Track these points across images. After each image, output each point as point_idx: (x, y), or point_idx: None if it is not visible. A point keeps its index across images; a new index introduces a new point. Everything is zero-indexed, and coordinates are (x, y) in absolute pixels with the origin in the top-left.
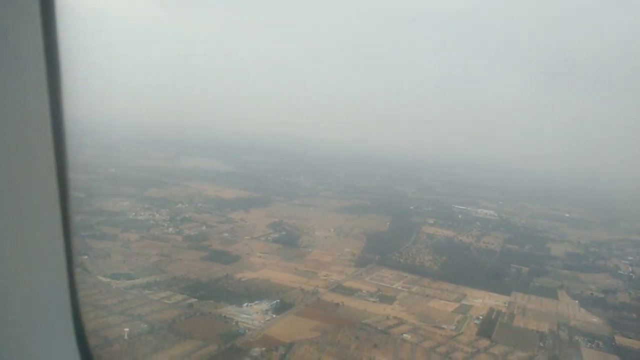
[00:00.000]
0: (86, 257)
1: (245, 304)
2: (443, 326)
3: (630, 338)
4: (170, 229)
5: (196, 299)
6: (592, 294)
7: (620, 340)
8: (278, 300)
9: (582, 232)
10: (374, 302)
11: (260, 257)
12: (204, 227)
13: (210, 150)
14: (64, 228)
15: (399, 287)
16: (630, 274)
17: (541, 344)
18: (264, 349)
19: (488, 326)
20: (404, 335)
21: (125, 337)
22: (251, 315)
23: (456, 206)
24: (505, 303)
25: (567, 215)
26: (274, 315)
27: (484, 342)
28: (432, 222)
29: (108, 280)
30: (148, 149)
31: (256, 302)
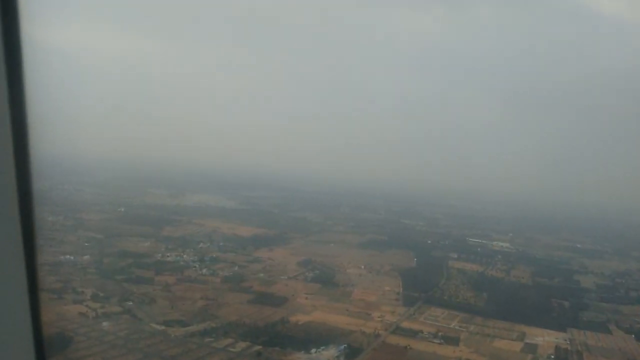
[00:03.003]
0: (131, 302)
1: (314, 350)
2: None
3: None
4: (204, 270)
5: (261, 346)
6: None
7: None
8: (345, 345)
9: (600, 263)
10: (440, 344)
11: (307, 298)
12: (236, 268)
13: (209, 186)
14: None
15: (457, 327)
16: None
17: None
18: None
19: None
20: None
21: None
22: None
23: (471, 239)
24: (565, 340)
25: (578, 245)
26: None
27: None
28: (456, 256)
29: (163, 327)
30: (147, 186)
31: (322, 347)
